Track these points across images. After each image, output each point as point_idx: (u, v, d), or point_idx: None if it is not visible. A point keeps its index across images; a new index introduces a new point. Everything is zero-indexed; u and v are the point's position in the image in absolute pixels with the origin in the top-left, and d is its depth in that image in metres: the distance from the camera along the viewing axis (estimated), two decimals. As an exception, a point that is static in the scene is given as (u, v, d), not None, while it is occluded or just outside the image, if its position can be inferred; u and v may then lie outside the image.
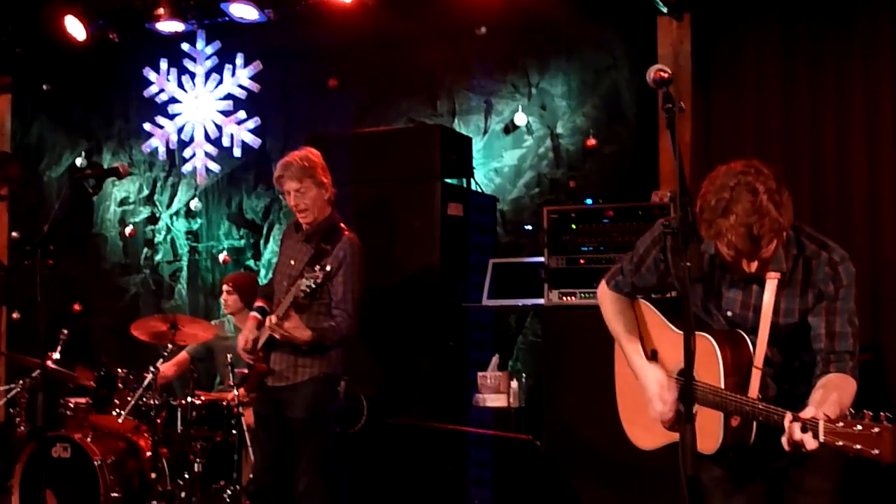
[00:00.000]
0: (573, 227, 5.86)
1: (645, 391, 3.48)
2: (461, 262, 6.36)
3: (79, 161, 8.55)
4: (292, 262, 5.34)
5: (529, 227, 6.85)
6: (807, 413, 2.91)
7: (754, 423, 3.16)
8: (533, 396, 6.35)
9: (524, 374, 6.39)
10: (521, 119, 7.03)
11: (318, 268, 4.99)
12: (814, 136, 6.21)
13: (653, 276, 3.54)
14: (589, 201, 6.07)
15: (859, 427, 2.76)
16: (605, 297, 3.72)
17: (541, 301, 5.93)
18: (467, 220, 6.45)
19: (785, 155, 6.25)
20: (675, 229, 2.90)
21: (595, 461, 5.56)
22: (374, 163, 6.36)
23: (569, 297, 5.82)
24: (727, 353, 3.23)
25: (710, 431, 3.19)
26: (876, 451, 2.73)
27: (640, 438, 3.66)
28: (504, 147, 7.12)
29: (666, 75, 3.05)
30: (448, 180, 6.33)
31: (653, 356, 3.54)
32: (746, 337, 3.27)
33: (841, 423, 2.80)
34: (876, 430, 2.74)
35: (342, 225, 5.35)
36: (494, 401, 6.14)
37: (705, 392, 3.19)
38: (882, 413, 2.79)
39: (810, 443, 2.87)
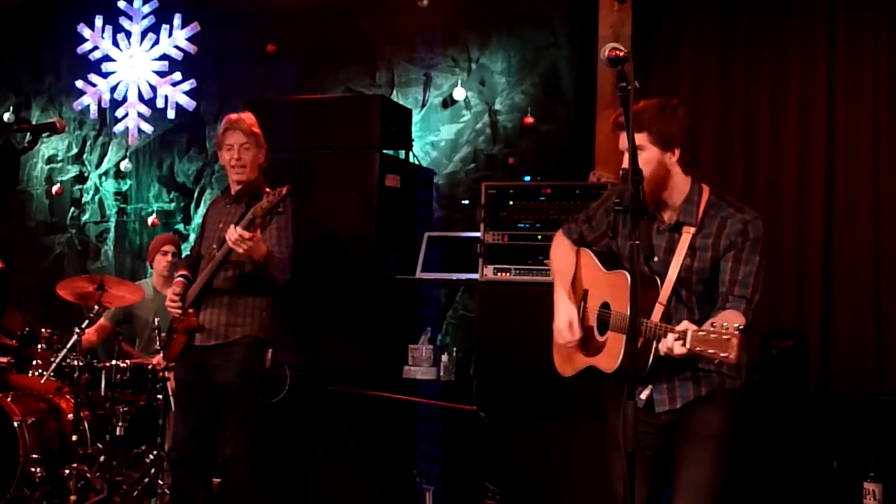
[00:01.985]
0: (510, 203, 5.88)
1: (556, 322, 3.86)
2: (397, 233, 6.35)
3: (6, 116, 8.36)
4: (221, 225, 5.29)
5: (466, 202, 6.85)
6: (681, 326, 3.31)
7: (652, 349, 3.45)
8: (462, 370, 6.37)
9: (454, 349, 6.41)
10: (459, 94, 7.03)
11: (276, 190, 4.96)
12: (748, 122, 6.32)
13: (597, 232, 3.92)
14: (527, 178, 6.09)
15: (714, 334, 3.16)
16: (556, 241, 4.08)
17: (475, 276, 5.95)
18: (405, 192, 6.43)
19: (719, 140, 6.35)
20: (625, 207, 2.94)
21: (526, 432, 5.63)
22: (313, 131, 6.30)
23: (504, 273, 5.83)
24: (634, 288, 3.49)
25: (613, 353, 3.60)
26: (724, 354, 3.13)
27: (560, 366, 4.02)
28: (441, 121, 7.12)
29: (622, 53, 3.07)
30: (387, 151, 6.30)
31: (584, 296, 3.88)
32: (658, 279, 3.59)
33: (702, 332, 3.20)
34: (726, 335, 3.13)
35: (265, 187, 5.31)
36: (425, 374, 6.15)
37: (616, 318, 3.60)
38: (736, 323, 3.19)
39: (678, 349, 3.29)
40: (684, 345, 3.24)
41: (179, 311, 5.25)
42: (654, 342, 3.42)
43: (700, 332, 3.21)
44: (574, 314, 3.80)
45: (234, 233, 4.91)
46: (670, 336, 3.30)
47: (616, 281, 3.60)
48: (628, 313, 3.35)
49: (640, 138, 3.52)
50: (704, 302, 3.63)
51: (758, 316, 6.02)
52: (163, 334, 5.78)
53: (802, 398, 5.74)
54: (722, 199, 3.65)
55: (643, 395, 3.68)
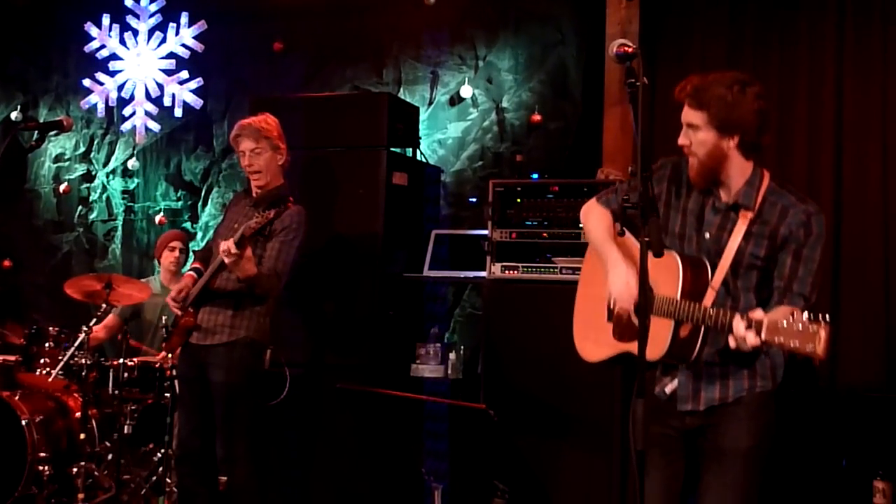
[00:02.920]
0: (518, 200, 5.87)
1: (613, 284, 3.53)
2: (404, 231, 6.35)
3: (14, 115, 8.36)
4: (236, 226, 5.28)
5: (474, 200, 6.84)
6: (756, 314, 3.07)
7: (699, 338, 3.29)
8: (469, 368, 6.37)
9: (462, 346, 6.40)
10: (466, 91, 7.02)
11: (268, 210, 4.98)
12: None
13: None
14: (535, 176, 6.08)
15: (799, 326, 2.92)
16: (592, 210, 3.79)
17: (482, 273, 5.94)
18: (412, 189, 6.42)
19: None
20: (634, 204, 2.91)
21: (534, 431, 5.62)
22: (320, 128, 6.30)
23: (511, 271, 5.82)
24: (688, 272, 3.36)
25: (658, 340, 3.29)
26: (810, 348, 2.89)
27: (588, 351, 3.76)
28: (449, 119, 7.11)
29: (630, 49, 3.06)
30: (394, 149, 6.29)
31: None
32: (708, 263, 3.41)
33: (782, 323, 2.96)
34: (813, 327, 2.89)
35: (290, 198, 5.32)
36: (432, 371, 6.14)
37: (661, 303, 3.34)
38: (821, 314, 2.94)
39: (752, 339, 3.04)
40: (759, 334, 3.02)
41: (179, 311, 5.26)
42: (702, 329, 3.26)
43: (781, 322, 2.96)
44: (632, 274, 3.44)
45: (225, 245, 4.94)
46: (740, 324, 3.07)
47: (662, 262, 3.21)
48: (678, 297, 3.25)
49: (698, 117, 3.37)
50: (750, 292, 3.47)
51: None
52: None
53: (811, 396, 5.72)
54: (783, 188, 3.47)
55: (668, 389, 3.52)
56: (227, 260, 4.96)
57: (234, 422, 5.19)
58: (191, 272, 5.40)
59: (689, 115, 3.40)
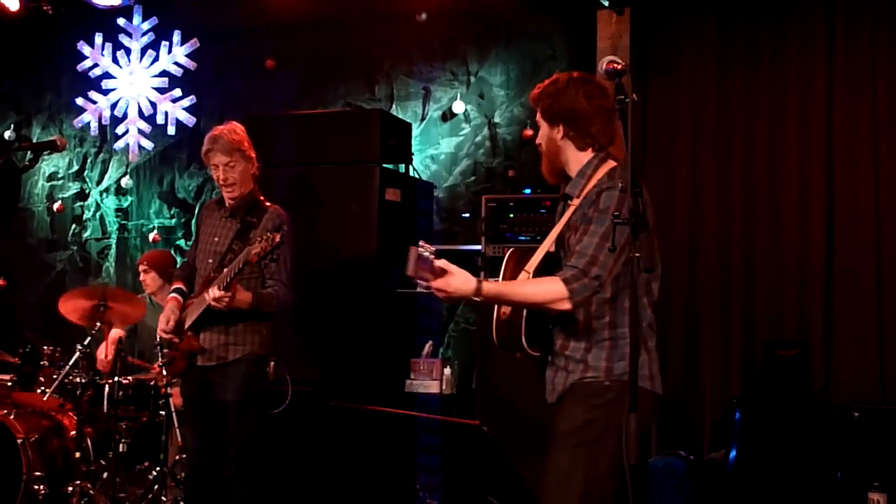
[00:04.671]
0: (511, 215, 5.89)
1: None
2: (398, 247, 6.34)
3: (7, 134, 8.37)
4: (216, 239, 5.26)
5: (468, 215, 6.86)
6: None
7: (522, 316, 3.40)
8: (463, 383, 6.37)
9: (456, 362, 6.40)
10: (459, 107, 7.05)
11: (269, 234, 4.93)
12: (747, 132, 6.32)
13: None
14: (527, 191, 6.10)
15: None
16: None
17: (476, 289, 5.93)
18: (405, 205, 6.43)
19: (719, 150, 6.37)
20: (625, 220, 2.93)
21: (528, 446, 5.61)
22: (313, 145, 6.32)
23: (504, 286, 5.83)
24: (512, 260, 3.58)
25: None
26: None
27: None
28: (441, 134, 7.13)
29: (619, 66, 3.08)
30: (386, 165, 6.31)
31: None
32: (539, 249, 3.55)
33: None
34: None
35: (263, 198, 5.30)
36: (427, 387, 6.15)
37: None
38: None
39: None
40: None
41: (176, 339, 5.25)
42: (524, 313, 3.42)
43: None
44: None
45: (211, 294, 4.95)
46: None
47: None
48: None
49: (536, 115, 3.63)
50: None
51: (760, 325, 6.12)
52: (165, 350, 5.80)
53: (805, 408, 5.73)
54: (617, 176, 3.48)
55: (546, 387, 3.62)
56: (218, 306, 4.96)
57: (242, 439, 5.19)
58: (173, 295, 5.36)
59: (536, 116, 3.66)
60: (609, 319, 3.45)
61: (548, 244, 3.54)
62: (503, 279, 3.50)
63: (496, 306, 3.49)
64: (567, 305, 3.32)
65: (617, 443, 3.10)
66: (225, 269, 5.00)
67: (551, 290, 3.32)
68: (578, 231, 3.43)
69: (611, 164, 3.54)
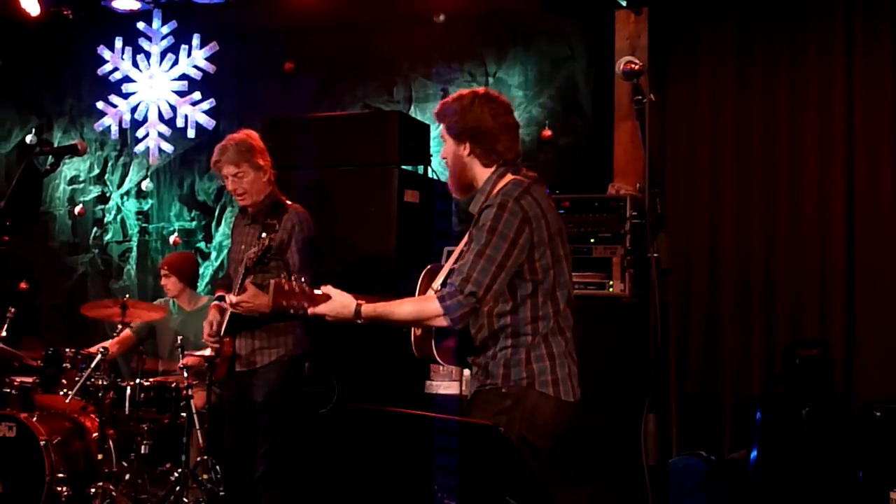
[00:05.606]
0: (529, 216, 5.87)
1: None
2: (417, 249, 6.36)
3: (29, 138, 8.42)
4: (243, 247, 5.34)
5: (484, 216, 6.84)
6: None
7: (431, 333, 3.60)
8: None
9: (476, 363, 6.40)
10: (478, 108, 7.02)
11: (263, 235, 5.01)
12: (767, 132, 6.30)
13: None
14: (546, 192, 6.08)
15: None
16: None
17: (495, 289, 5.93)
18: (424, 207, 6.44)
19: (738, 150, 6.35)
20: (643, 221, 2.95)
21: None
22: (331, 147, 6.32)
23: (523, 287, 5.83)
24: (427, 276, 3.75)
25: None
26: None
27: None
28: (460, 135, 7.11)
29: (637, 66, 3.10)
30: (405, 167, 6.32)
31: None
32: (445, 266, 3.67)
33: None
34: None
35: (284, 199, 5.34)
36: (447, 388, 6.14)
37: None
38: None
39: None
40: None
41: (217, 346, 5.31)
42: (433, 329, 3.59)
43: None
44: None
45: (228, 301, 5.09)
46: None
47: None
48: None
49: (441, 130, 3.72)
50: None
51: (780, 325, 6.10)
52: (186, 351, 5.90)
53: (827, 407, 5.71)
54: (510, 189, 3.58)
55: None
56: (238, 311, 5.07)
57: (273, 440, 5.26)
58: (216, 303, 5.44)
59: (441, 132, 3.74)
60: (511, 329, 3.54)
61: (451, 260, 3.64)
62: (418, 294, 3.66)
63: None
64: (444, 322, 3.42)
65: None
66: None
67: (426, 308, 3.45)
68: (468, 248, 3.50)
69: (509, 177, 3.61)
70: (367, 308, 3.48)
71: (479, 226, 3.46)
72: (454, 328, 3.45)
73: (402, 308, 3.51)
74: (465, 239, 3.63)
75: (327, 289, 3.46)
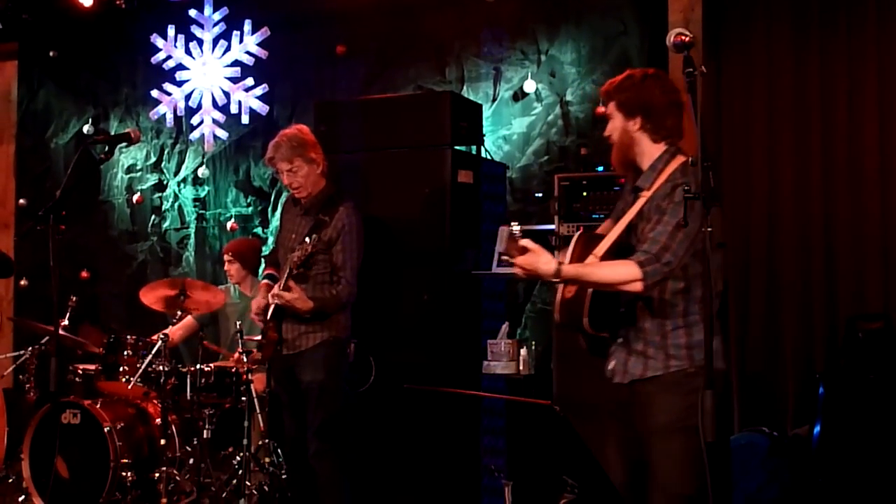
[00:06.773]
0: (584, 194, 5.84)
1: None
2: (472, 229, 6.35)
3: (86, 128, 8.51)
4: (293, 236, 5.44)
5: (540, 195, 6.82)
6: None
7: (587, 298, 3.60)
8: (542, 364, 6.35)
9: (533, 342, 6.39)
10: (530, 86, 6.99)
11: (307, 239, 5.18)
12: (825, 104, 6.17)
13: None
14: (601, 169, 6.05)
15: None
16: None
17: (551, 268, 5.90)
18: (478, 187, 6.42)
19: (795, 122, 6.23)
20: (696, 194, 2.94)
21: (604, 428, 5.58)
22: (384, 130, 6.33)
23: (579, 265, 5.79)
24: (580, 243, 3.75)
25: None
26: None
27: None
28: (513, 114, 7.09)
29: (687, 38, 3.08)
30: (458, 147, 6.30)
31: None
32: (605, 236, 3.72)
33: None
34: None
35: (336, 194, 5.41)
36: (504, 368, 6.14)
37: None
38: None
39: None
40: None
41: (262, 324, 5.46)
42: (589, 293, 3.59)
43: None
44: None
45: (273, 292, 5.28)
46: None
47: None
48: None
49: (610, 106, 3.82)
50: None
51: (842, 298, 6.00)
52: (245, 337, 5.97)
53: (890, 381, 5.62)
54: (686, 167, 3.65)
55: (609, 366, 3.82)
56: (278, 302, 5.24)
57: (322, 419, 5.39)
58: (265, 280, 5.54)
59: (605, 108, 3.89)
60: (682, 308, 3.63)
61: (618, 231, 3.67)
62: (570, 261, 3.64)
63: (559, 287, 3.67)
64: (639, 287, 3.50)
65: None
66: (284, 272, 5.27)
67: (626, 272, 3.51)
68: (651, 220, 3.59)
69: (681, 159, 3.69)
70: (568, 268, 3.54)
71: (677, 201, 3.50)
72: (645, 294, 3.54)
73: (602, 270, 3.58)
74: (636, 210, 3.68)
75: (529, 243, 3.49)
